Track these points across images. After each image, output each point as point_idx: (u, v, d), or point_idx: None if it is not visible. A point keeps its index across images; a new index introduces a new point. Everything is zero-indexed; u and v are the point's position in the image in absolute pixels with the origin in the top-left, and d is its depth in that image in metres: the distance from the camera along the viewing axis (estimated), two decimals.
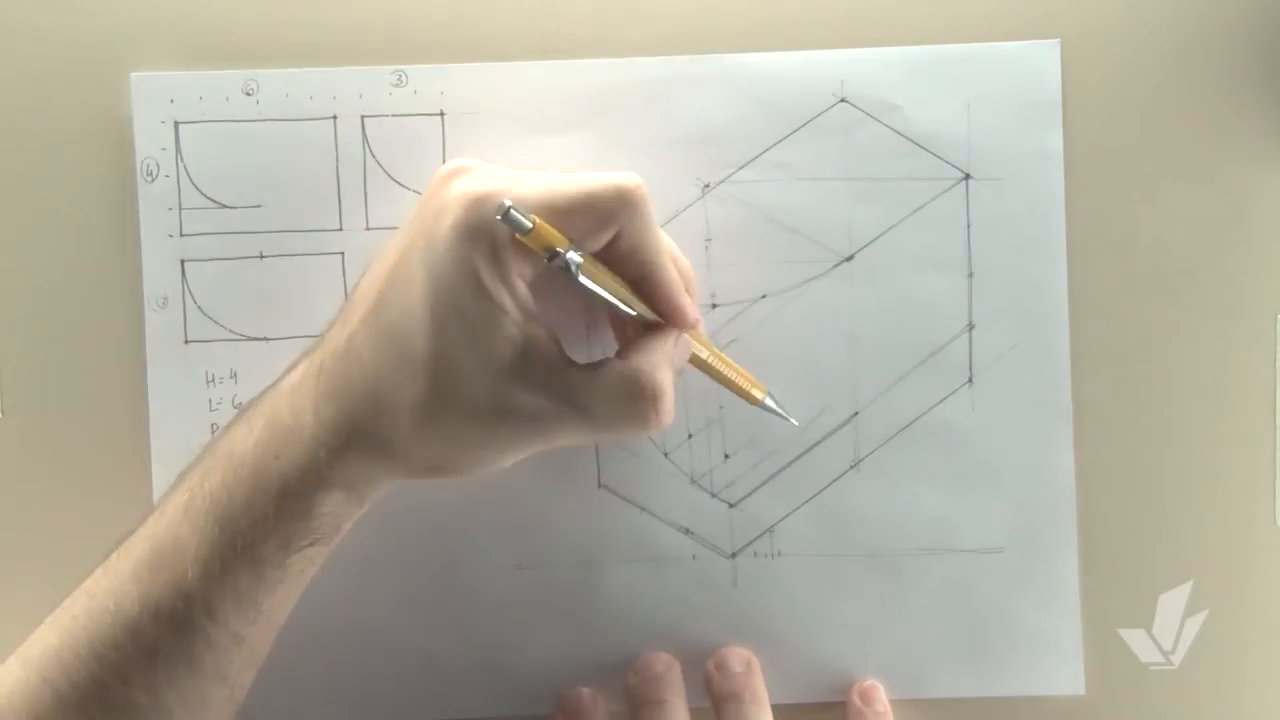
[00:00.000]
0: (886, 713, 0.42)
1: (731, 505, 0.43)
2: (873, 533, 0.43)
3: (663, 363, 0.36)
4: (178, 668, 0.35)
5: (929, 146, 0.43)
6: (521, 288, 0.35)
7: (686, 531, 0.43)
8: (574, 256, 0.34)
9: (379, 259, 0.37)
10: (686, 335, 0.38)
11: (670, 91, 0.43)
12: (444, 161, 0.43)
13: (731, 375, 0.40)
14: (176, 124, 0.42)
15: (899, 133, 0.43)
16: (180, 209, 0.42)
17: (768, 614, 0.43)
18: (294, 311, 0.43)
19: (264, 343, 0.43)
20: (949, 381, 0.43)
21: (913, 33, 0.43)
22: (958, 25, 0.43)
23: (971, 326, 0.43)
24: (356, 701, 0.43)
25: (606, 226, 0.35)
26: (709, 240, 0.43)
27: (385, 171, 0.43)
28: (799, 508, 0.43)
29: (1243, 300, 0.43)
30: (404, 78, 0.43)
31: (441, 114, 0.43)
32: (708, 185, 0.43)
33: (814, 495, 0.43)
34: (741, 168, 0.43)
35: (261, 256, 0.43)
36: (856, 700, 0.42)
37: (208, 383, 0.43)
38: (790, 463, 0.43)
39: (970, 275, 0.43)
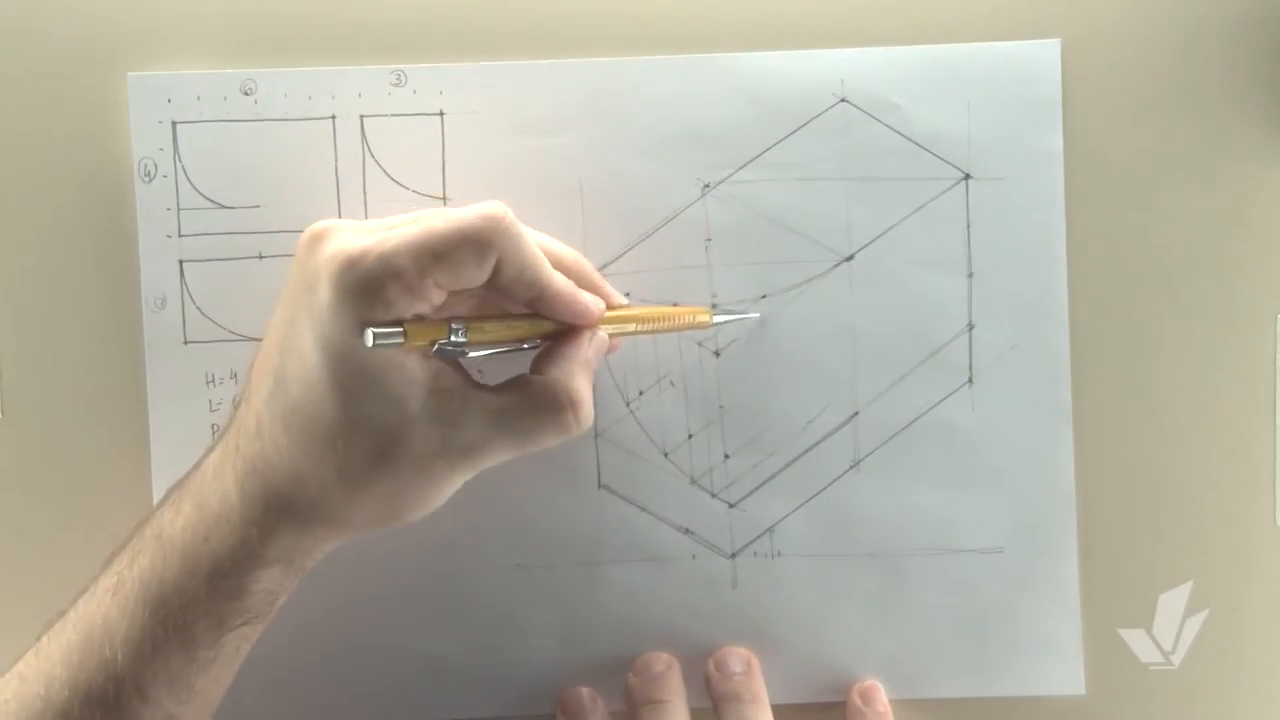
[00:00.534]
0: (887, 713, 0.42)
1: (731, 505, 0.43)
2: (873, 533, 0.43)
3: (576, 369, 0.37)
4: None
5: (929, 146, 0.43)
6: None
7: (686, 531, 0.43)
8: (458, 338, 0.34)
9: (269, 332, 0.37)
10: (600, 331, 0.38)
11: (670, 91, 0.43)
12: (444, 161, 0.42)
13: (671, 322, 0.40)
14: (174, 124, 0.42)
15: (899, 132, 0.43)
16: (178, 209, 0.42)
17: (767, 614, 0.43)
18: None
19: (261, 341, 0.42)
20: (949, 381, 0.43)
21: (913, 32, 0.43)
22: (958, 25, 0.43)
23: (971, 326, 0.43)
24: (356, 702, 0.43)
25: (486, 257, 0.34)
26: (709, 240, 0.43)
27: (384, 171, 0.43)
28: (799, 508, 0.43)
29: (1243, 300, 0.43)
30: (403, 77, 0.42)
31: (441, 114, 0.42)
32: (708, 185, 0.43)
33: (814, 495, 0.43)
34: (741, 168, 0.43)
35: (260, 257, 0.43)
36: (857, 700, 0.43)
37: (207, 383, 0.43)
38: (790, 463, 0.43)
39: (970, 275, 0.43)
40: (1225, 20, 0.43)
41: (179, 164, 0.42)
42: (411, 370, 0.35)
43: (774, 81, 0.43)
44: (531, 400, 0.36)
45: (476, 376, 0.37)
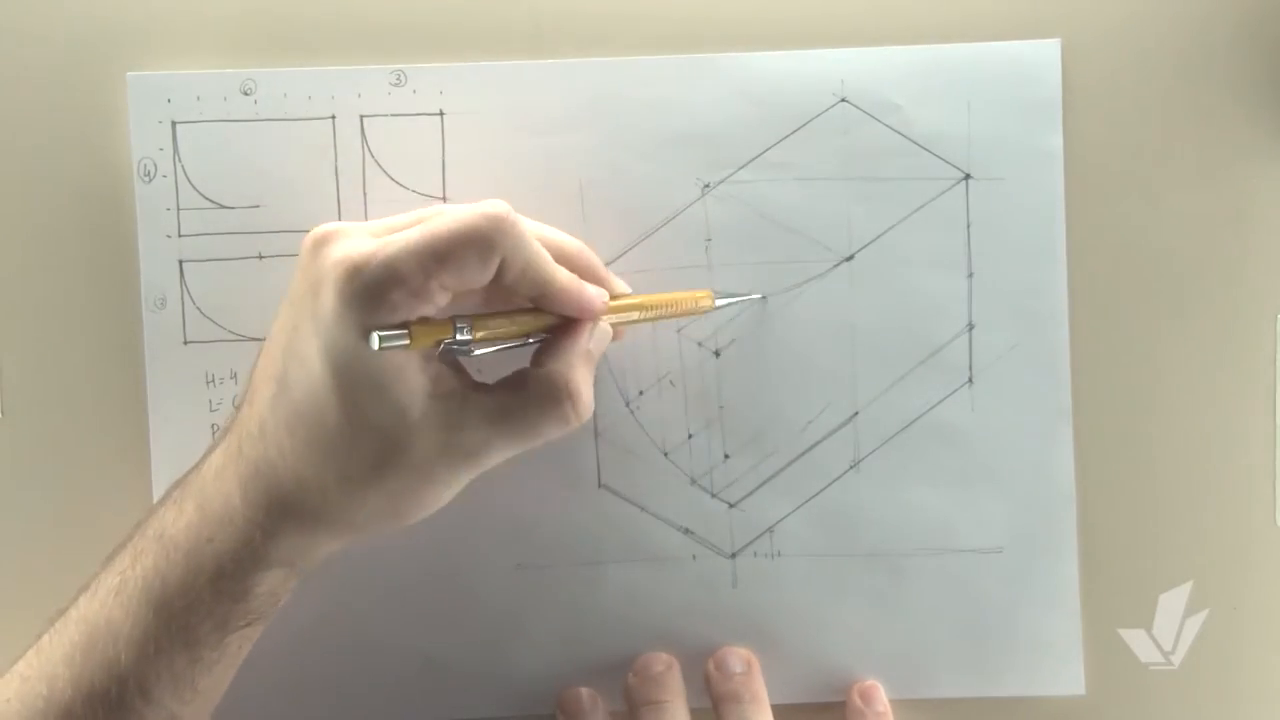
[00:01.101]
0: (886, 713, 0.42)
1: (731, 505, 0.43)
2: (873, 533, 0.43)
3: (576, 361, 0.37)
4: None
5: (929, 146, 0.43)
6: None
7: (686, 531, 0.43)
8: (463, 337, 0.34)
9: (272, 335, 0.37)
10: (602, 322, 0.38)
11: (671, 91, 0.43)
12: (444, 161, 0.42)
13: (675, 309, 0.40)
14: (174, 124, 0.42)
15: (899, 132, 0.43)
16: (178, 209, 0.42)
17: (768, 614, 0.43)
18: None
19: (263, 343, 0.42)
20: (949, 381, 0.43)
21: (913, 33, 0.43)
22: (958, 25, 0.43)
23: (971, 326, 0.43)
24: (356, 701, 0.43)
25: (489, 258, 0.34)
26: (709, 240, 0.43)
27: (384, 171, 0.43)
28: (799, 508, 0.43)
29: (1243, 300, 0.43)
30: (403, 77, 0.42)
31: (441, 114, 0.42)
32: (708, 185, 0.43)
33: (814, 495, 0.43)
34: (741, 167, 0.43)
35: (260, 257, 0.43)
36: (857, 700, 0.43)
37: (207, 383, 0.43)
38: (790, 463, 0.43)
39: (970, 275, 0.43)
40: (1226, 20, 0.43)
41: (179, 164, 0.42)
42: (413, 376, 0.35)
43: (774, 82, 0.43)
44: (530, 395, 0.36)
45: (476, 375, 0.37)
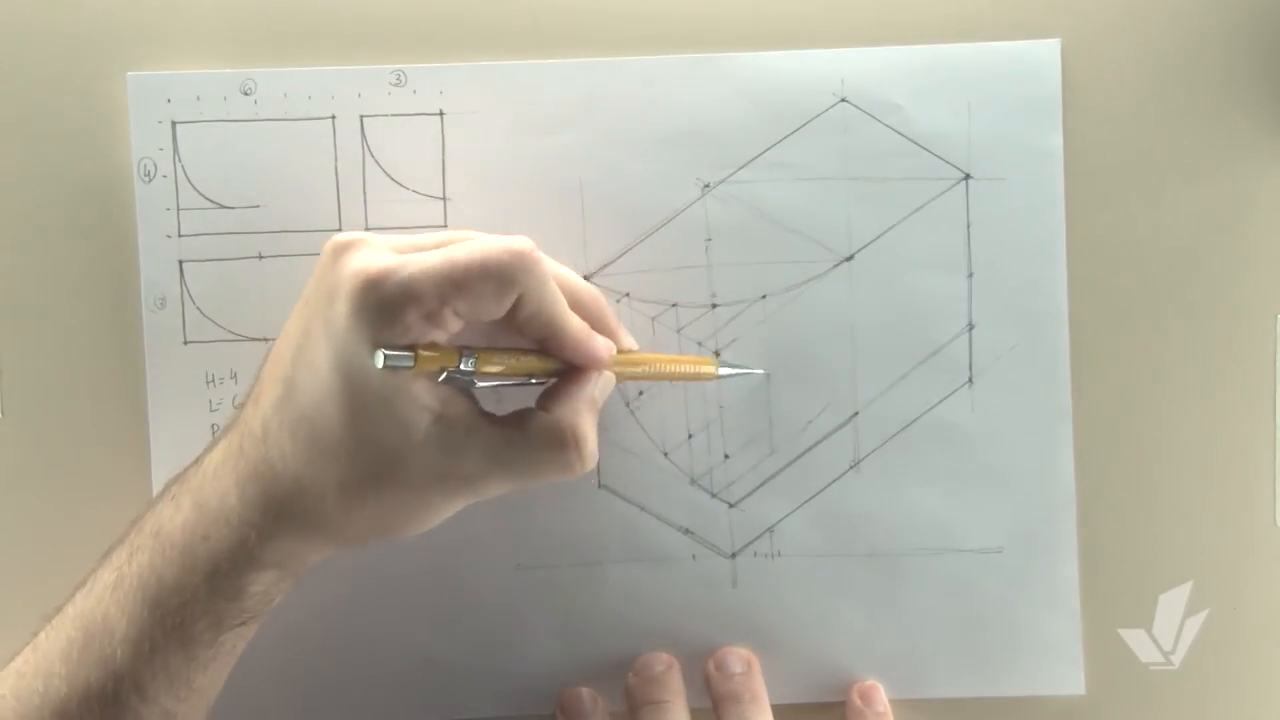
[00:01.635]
0: (886, 713, 0.42)
1: (731, 505, 0.43)
2: (873, 533, 0.43)
3: (583, 408, 0.37)
4: None
5: (929, 146, 0.43)
6: None
7: (686, 532, 0.43)
8: (466, 367, 0.34)
9: (283, 336, 0.37)
10: (608, 372, 0.38)
11: (670, 91, 0.43)
12: (444, 161, 0.42)
13: (678, 370, 0.40)
14: (174, 124, 0.42)
15: (899, 132, 0.43)
16: (178, 209, 0.42)
17: (768, 614, 0.43)
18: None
19: (264, 343, 0.43)
20: (949, 381, 0.43)
21: (913, 33, 0.43)
22: (958, 25, 0.43)
23: (971, 326, 0.43)
24: (355, 701, 0.43)
25: (507, 293, 0.34)
26: (709, 240, 0.43)
27: (384, 171, 0.43)
28: (799, 508, 0.43)
29: (1243, 300, 0.43)
30: (403, 77, 0.42)
31: (441, 113, 0.42)
32: (708, 185, 0.43)
33: (814, 495, 0.43)
34: (741, 167, 0.43)
35: (260, 257, 0.43)
36: (857, 700, 0.43)
37: (208, 383, 0.43)
38: (790, 463, 0.43)
39: (970, 275, 0.43)
40: (1225, 20, 0.43)
41: (179, 164, 0.42)
42: (420, 396, 0.35)
43: (774, 81, 0.43)
44: (535, 437, 0.36)
45: (485, 404, 0.37)
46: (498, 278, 0.34)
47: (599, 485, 0.43)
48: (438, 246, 0.35)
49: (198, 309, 0.43)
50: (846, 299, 0.43)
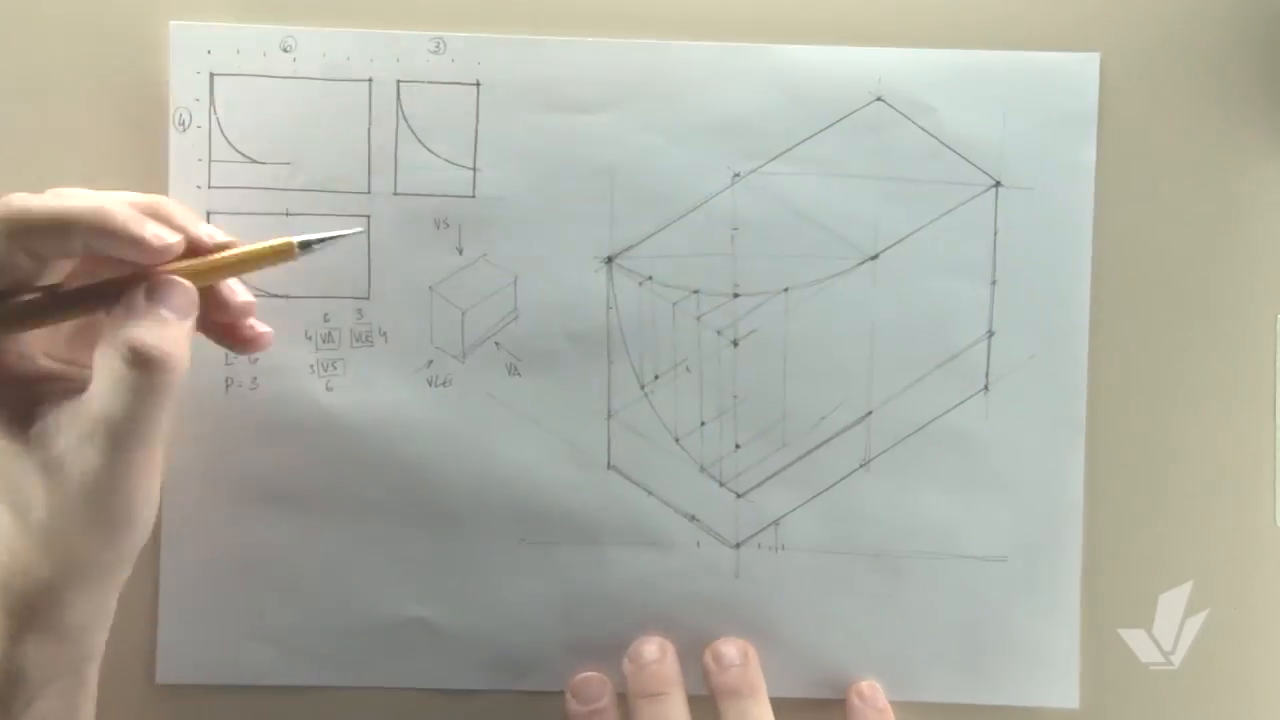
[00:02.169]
0: (886, 710, 0.42)
1: (739, 495, 0.43)
2: (878, 533, 0.43)
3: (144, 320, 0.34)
4: None
5: (961, 151, 0.43)
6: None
7: (692, 518, 0.43)
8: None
9: None
10: (175, 278, 0.35)
11: (707, 78, 0.43)
12: (477, 131, 0.42)
13: (253, 260, 0.37)
14: (212, 75, 0.42)
15: (932, 135, 0.43)
16: (210, 161, 0.42)
17: (768, 606, 0.43)
18: (316, 272, 0.42)
19: (284, 300, 0.43)
20: (965, 387, 0.43)
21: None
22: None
23: (991, 334, 0.43)
24: (354, 670, 0.43)
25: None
26: (735, 230, 0.43)
27: (417, 138, 0.43)
28: (806, 502, 0.43)
29: (1243, 300, 0.43)
30: (442, 45, 0.42)
31: (477, 84, 0.43)
32: (738, 175, 0.43)
33: (822, 491, 0.43)
34: (773, 159, 0.43)
35: (288, 214, 0.43)
36: (855, 699, 0.42)
37: None
38: (800, 457, 0.43)
39: (994, 283, 0.43)
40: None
41: (214, 116, 0.42)
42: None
43: (811, 75, 0.43)
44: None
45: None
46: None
47: (608, 465, 0.43)
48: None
49: None
50: (868, 298, 0.43)
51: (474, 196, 0.43)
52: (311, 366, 0.43)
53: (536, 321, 0.43)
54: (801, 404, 0.43)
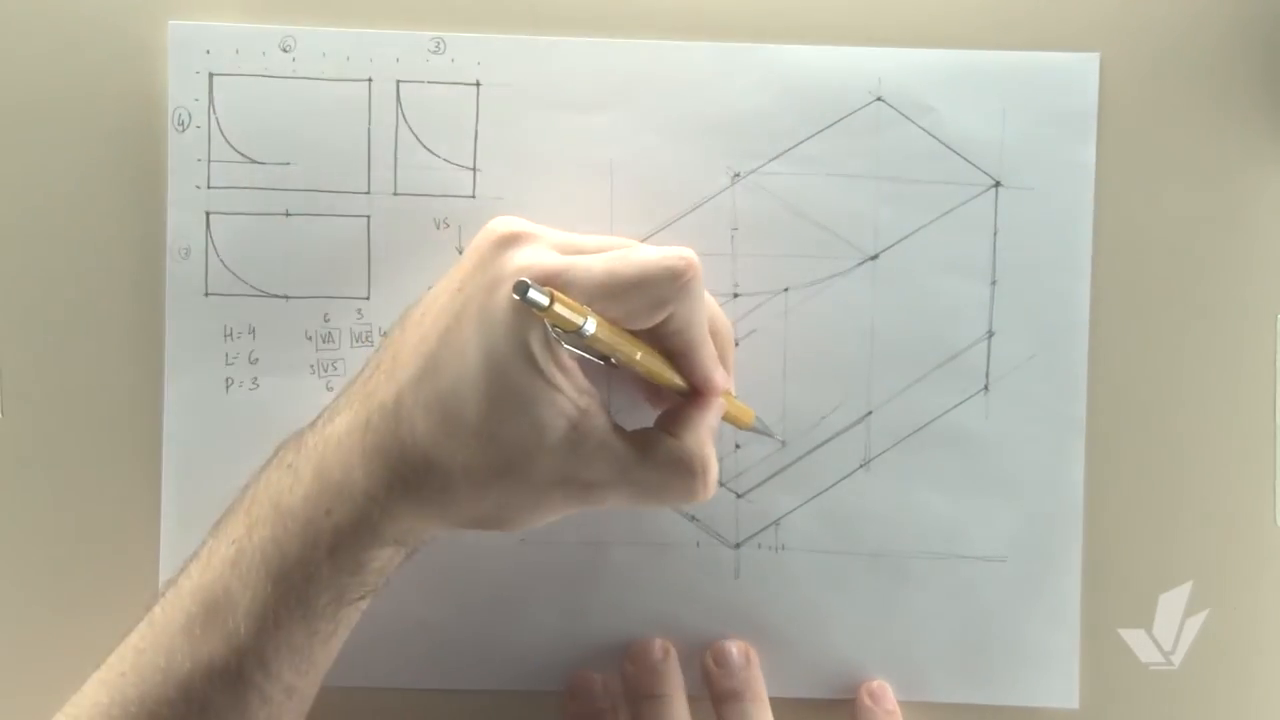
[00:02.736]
0: (895, 711, 0.42)
1: (739, 495, 0.43)
2: (878, 533, 0.43)
3: (707, 437, 0.37)
4: None
5: (961, 151, 0.43)
6: (573, 364, 0.35)
7: (692, 518, 0.43)
8: (589, 327, 0.33)
9: (426, 313, 0.36)
10: (722, 401, 0.38)
11: (707, 77, 0.43)
12: (477, 132, 0.42)
13: (735, 413, 0.40)
14: (211, 75, 0.42)
15: (932, 135, 0.43)
16: (209, 161, 0.42)
17: (768, 607, 0.43)
18: (316, 271, 0.42)
19: (284, 300, 0.43)
20: (965, 387, 0.43)
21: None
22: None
23: (991, 334, 0.43)
24: (353, 666, 0.43)
25: (660, 311, 0.34)
26: (735, 229, 0.43)
27: (417, 138, 0.43)
28: (806, 502, 0.43)
29: (1242, 300, 0.43)
30: (442, 45, 0.42)
31: (477, 84, 0.42)
32: (738, 174, 0.43)
33: (822, 491, 0.43)
34: (773, 159, 0.43)
35: (287, 214, 0.43)
36: (866, 699, 0.42)
37: (225, 336, 0.43)
38: (800, 457, 0.43)
39: (994, 283, 0.43)
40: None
41: (213, 115, 0.42)
42: (561, 403, 0.34)
43: (811, 75, 0.43)
44: (664, 461, 0.36)
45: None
46: (654, 295, 0.34)
47: None
48: (598, 250, 0.35)
49: (221, 261, 0.43)
50: (868, 298, 0.43)
51: (474, 197, 0.43)
52: (311, 366, 0.43)
53: None
54: (801, 404, 0.43)
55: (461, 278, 0.35)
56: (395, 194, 0.43)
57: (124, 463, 0.43)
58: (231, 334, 0.43)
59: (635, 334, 0.35)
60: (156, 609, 0.36)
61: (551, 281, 0.33)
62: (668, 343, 0.36)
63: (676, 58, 0.43)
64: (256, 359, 0.42)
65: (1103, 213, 0.43)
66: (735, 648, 0.42)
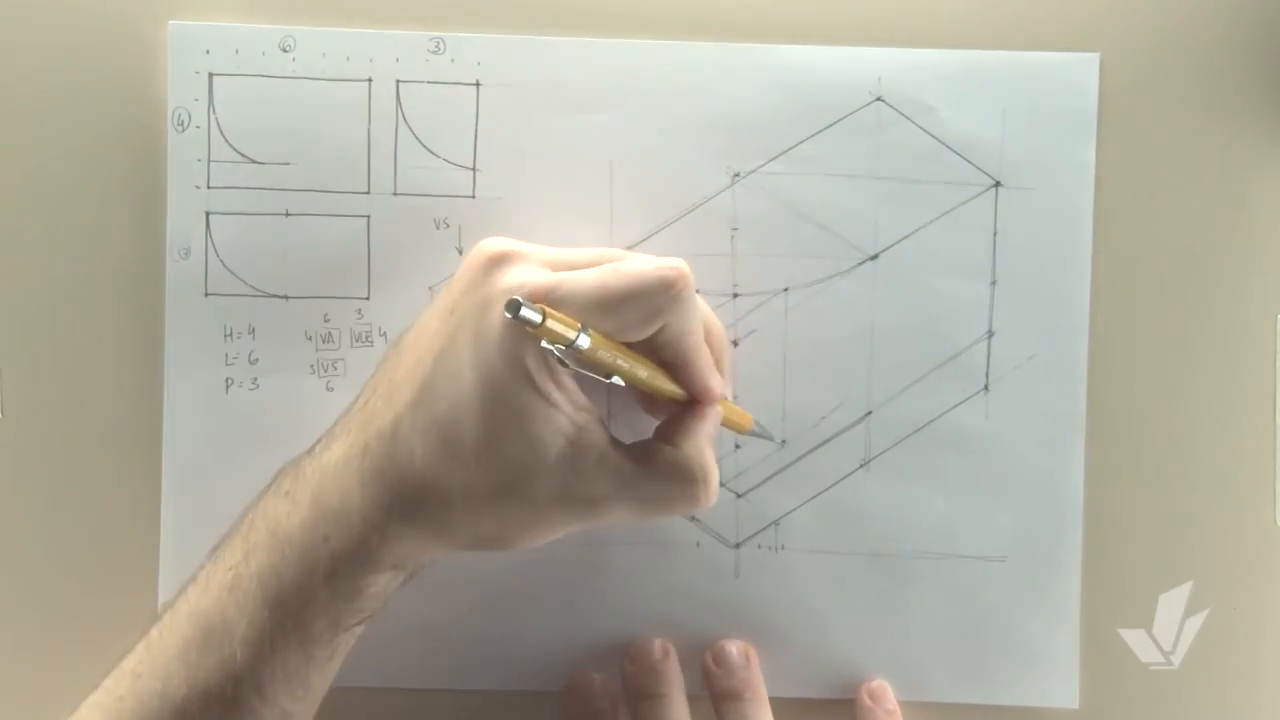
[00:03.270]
0: (895, 711, 0.42)
1: (739, 495, 0.43)
2: (878, 533, 0.43)
3: (706, 444, 0.37)
4: None
5: (961, 151, 0.43)
6: (569, 381, 0.35)
7: (692, 518, 0.43)
8: (583, 342, 0.33)
9: (420, 335, 0.36)
10: (719, 408, 0.38)
11: (707, 77, 0.43)
12: (476, 132, 0.42)
13: (732, 417, 0.40)
14: (210, 75, 0.42)
15: (932, 135, 0.43)
16: (209, 161, 0.42)
17: (768, 606, 0.43)
18: (316, 271, 0.42)
19: (284, 300, 0.43)
20: (965, 387, 0.43)
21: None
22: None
23: (991, 334, 0.43)
24: (353, 666, 0.43)
25: (652, 323, 0.34)
26: (735, 229, 0.43)
27: (417, 138, 0.43)
28: (806, 502, 0.43)
29: (1242, 300, 0.43)
30: (442, 45, 0.42)
31: (477, 84, 0.42)
32: (737, 174, 0.43)
33: (822, 491, 0.43)
34: (773, 159, 0.43)
35: (287, 214, 0.43)
36: (866, 699, 0.42)
37: (225, 336, 0.43)
38: (800, 457, 0.43)
39: (993, 283, 0.43)
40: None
41: (213, 116, 0.42)
42: (558, 420, 0.34)
43: (811, 76, 0.43)
44: (663, 471, 0.36)
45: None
46: (646, 307, 0.34)
47: None
48: (588, 265, 0.35)
49: (221, 261, 0.43)
50: (868, 298, 0.43)
51: (474, 197, 0.43)
52: (311, 366, 0.43)
53: None
54: (801, 404, 0.43)
55: (453, 300, 0.35)
56: (395, 194, 0.43)
57: (124, 463, 0.43)
58: (231, 334, 0.43)
59: (630, 346, 0.35)
60: (154, 632, 0.36)
61: (543, 299, 0.33)
62: (663, 353, 0.36)
63: (676, 58, 0.43)
64: (256, 359, 0.42)
65: (1103, 213, 0.43)
66: (735, 648, 0.42)
